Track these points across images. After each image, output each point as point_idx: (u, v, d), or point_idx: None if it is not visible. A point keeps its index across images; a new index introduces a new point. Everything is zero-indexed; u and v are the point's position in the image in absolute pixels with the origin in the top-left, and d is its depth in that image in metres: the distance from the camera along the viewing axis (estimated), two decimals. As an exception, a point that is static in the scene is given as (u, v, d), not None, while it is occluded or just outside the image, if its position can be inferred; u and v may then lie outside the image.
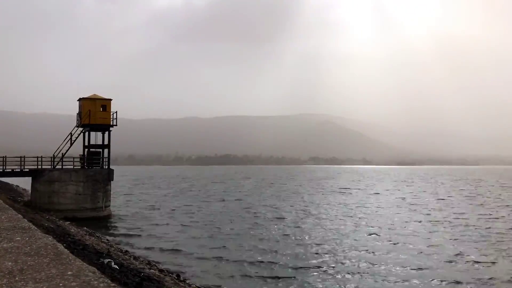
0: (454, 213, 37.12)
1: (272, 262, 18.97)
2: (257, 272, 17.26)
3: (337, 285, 15.64)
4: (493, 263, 19.14)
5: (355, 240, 24.38)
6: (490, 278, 16.62)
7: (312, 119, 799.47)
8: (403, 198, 51.88)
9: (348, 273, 17.10)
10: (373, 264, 18.63)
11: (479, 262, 19.21)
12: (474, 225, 29.87)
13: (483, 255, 20.63)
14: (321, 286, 15.61)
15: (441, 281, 16.23)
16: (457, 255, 20.60)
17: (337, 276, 16.77)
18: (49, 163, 33.55)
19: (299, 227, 29.10)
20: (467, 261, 19.36)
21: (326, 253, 20.69)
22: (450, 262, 19.32)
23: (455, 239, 24.63)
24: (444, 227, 29.07)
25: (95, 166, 34.55)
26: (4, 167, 32.99)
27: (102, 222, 30.93)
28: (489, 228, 28.73)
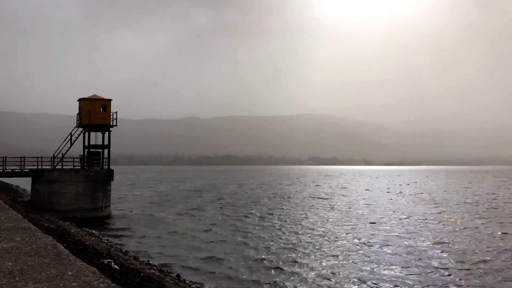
0: None
1: (271, 261, 18.97)
2: (253, 274, 17.26)
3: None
4: None
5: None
6: None
7: (312, 119, 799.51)
8: None
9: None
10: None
11: None
12: None
13: None
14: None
15: None
16: None
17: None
18: (49, 163, 33.55)
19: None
20: None
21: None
22: None
23: None
24: None
25: (95, 167, 34.55)
26: (4, 168, 33.00)
27: (102, 222, 30.91)
28: None
